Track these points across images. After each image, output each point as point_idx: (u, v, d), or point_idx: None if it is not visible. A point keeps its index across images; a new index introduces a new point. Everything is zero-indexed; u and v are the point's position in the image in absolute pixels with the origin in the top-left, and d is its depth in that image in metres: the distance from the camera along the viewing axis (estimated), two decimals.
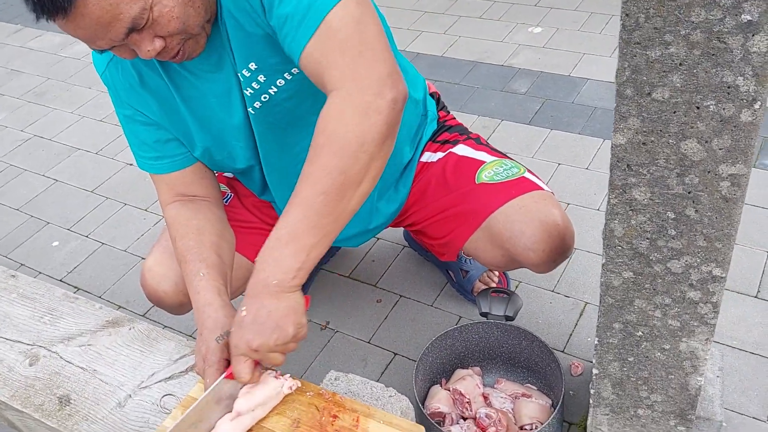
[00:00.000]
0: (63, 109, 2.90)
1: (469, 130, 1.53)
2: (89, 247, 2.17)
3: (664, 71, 0.76)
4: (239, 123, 1.22)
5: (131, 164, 2.50)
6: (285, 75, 1.14)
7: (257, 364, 1.02)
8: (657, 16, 0.72)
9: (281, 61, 1.10)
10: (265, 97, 1.16)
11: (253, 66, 1.12)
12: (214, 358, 1.05)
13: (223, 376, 1.03)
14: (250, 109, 1.19)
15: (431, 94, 1.55)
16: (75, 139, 2.69)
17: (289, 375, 1.08)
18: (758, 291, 1.68)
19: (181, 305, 1.41)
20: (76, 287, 2.02)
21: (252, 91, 1.15)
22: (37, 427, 1.20)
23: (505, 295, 1.49)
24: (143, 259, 2.08)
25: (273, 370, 1.08)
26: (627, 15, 0.74)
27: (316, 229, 0.95)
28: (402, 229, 1.89)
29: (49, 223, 2.29)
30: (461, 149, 1.44)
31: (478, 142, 1.47)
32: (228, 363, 1.05)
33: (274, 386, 1.05)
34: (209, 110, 1.22)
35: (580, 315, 1.70)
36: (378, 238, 2.01)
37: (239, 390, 1.05)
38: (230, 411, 1.03)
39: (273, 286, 0.97)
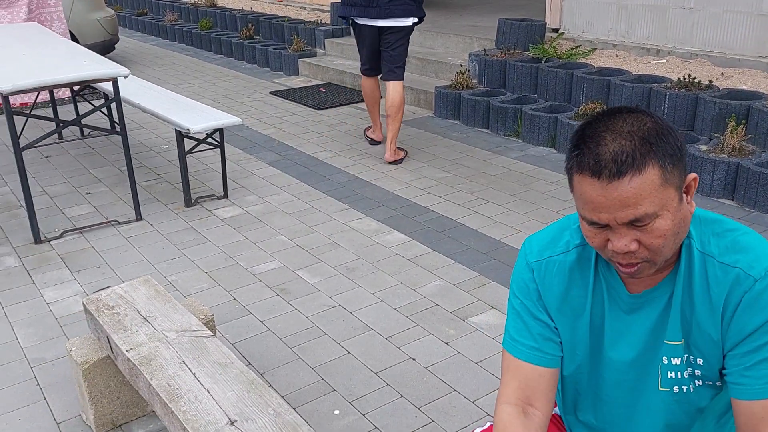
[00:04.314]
0: (366, 288, 3.29)
1: None
2: (363, 427, 2.37)
3: None
4: (617, 360, 1.32)
5: (414, 359, 2.73)
6: (716, 383, 1.26)
7: None
8: None
9: (714, 375, 1.24)
10: (676, 389, 1.28)
11: (700, 362, 1.24)
12: None
13: None
14: (659, 386, 1.29)
15: None
16: (371, 319, 3.03)
17: None
18: None
19: None
20: None
21: (671, 373, 1.27)
22: None
23: None
24: None
25: None
26: None
27: None
28: None
29: (334, 390, 2.56)
30: None
31: None
32: None
33: None
34: (602, 337, 1.33)
35: None
36: None
37: None
38: None
39: None
